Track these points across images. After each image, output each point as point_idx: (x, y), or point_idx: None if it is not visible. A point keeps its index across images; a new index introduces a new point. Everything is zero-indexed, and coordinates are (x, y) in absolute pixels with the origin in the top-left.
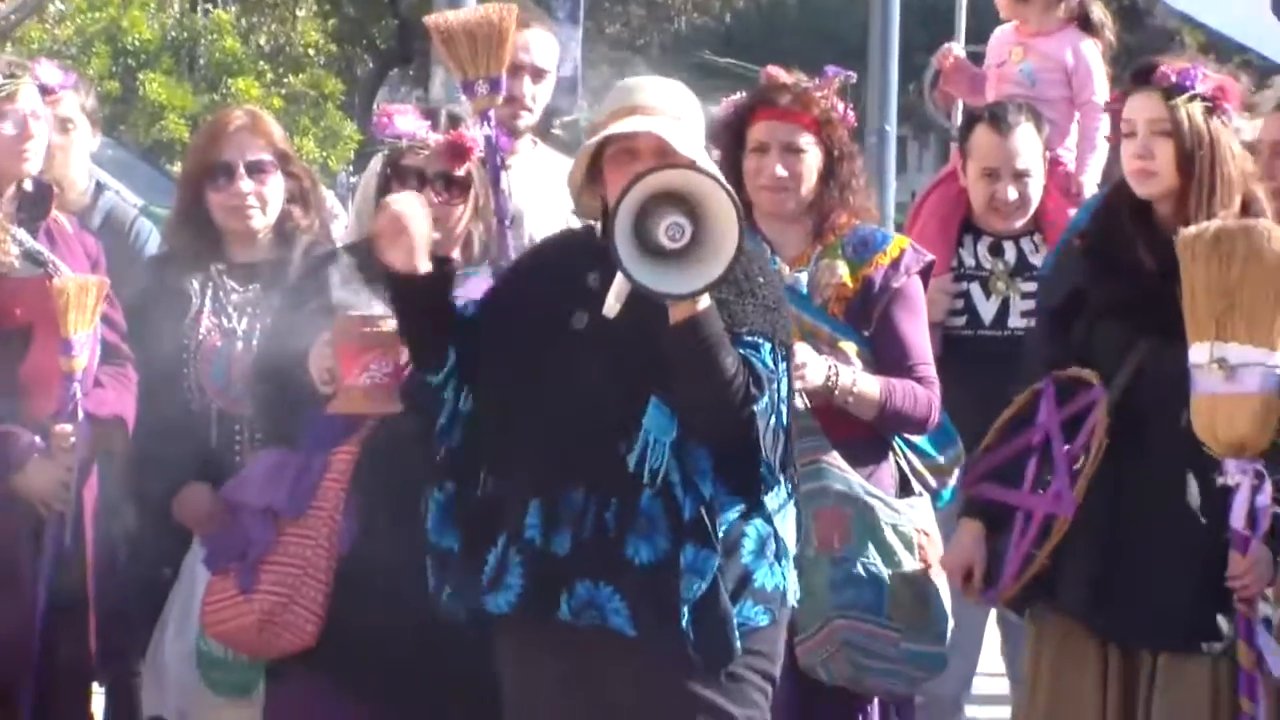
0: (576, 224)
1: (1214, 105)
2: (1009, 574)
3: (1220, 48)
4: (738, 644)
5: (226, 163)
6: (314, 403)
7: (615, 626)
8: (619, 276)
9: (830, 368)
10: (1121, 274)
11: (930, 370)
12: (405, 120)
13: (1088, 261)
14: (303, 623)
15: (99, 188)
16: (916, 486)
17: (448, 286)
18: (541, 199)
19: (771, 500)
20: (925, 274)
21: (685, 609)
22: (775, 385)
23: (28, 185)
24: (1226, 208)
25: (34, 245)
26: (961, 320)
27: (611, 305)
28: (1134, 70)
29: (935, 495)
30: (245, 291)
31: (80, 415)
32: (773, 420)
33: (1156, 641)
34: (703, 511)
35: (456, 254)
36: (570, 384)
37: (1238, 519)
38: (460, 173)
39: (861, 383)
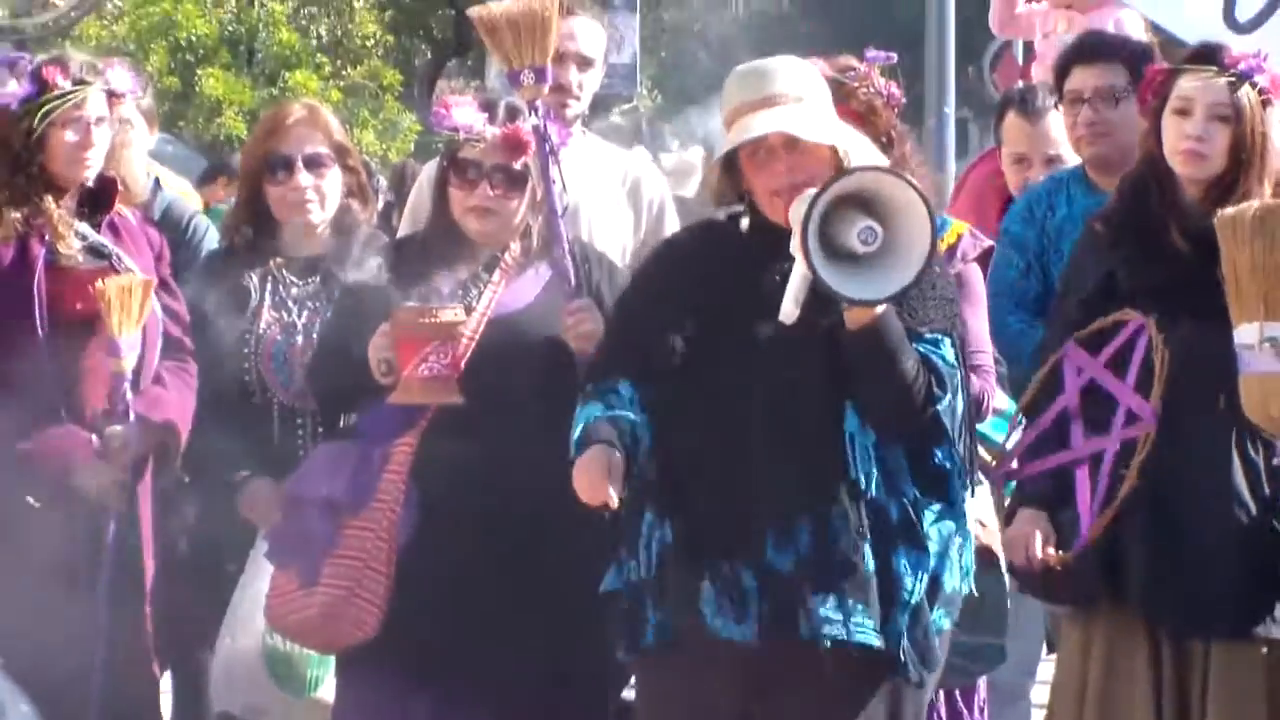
0: (628, 212)
1: (1268, 97)
2: (1091, 512)
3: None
4: (939, 652)
5: (285, 156)
6: (373, 394)
7: (860, 642)
8: (794, 280)
9: None
10: (1155, 258)
11: (988, 359)
12: (463, 112)
13: (1118, 246)
14: (364, 615)
15: (156, 185)
16: (977, 475)
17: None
18: (592, 188)
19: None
20: (984, 260)
21: (904, 616)
22: (956, 381)
23: (90, 181)
24: (1262, 195)
25: (97, 238)
26: None
27: (789, 310)
28: (1197, 50)
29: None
30: (305, 285)
31: (131, 417)
32: (961, 415)
33: (1208, 629)
34: (910, 512)
35: (515, 246)
36: (770, 400)
37: None
38: (518, 166)
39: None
